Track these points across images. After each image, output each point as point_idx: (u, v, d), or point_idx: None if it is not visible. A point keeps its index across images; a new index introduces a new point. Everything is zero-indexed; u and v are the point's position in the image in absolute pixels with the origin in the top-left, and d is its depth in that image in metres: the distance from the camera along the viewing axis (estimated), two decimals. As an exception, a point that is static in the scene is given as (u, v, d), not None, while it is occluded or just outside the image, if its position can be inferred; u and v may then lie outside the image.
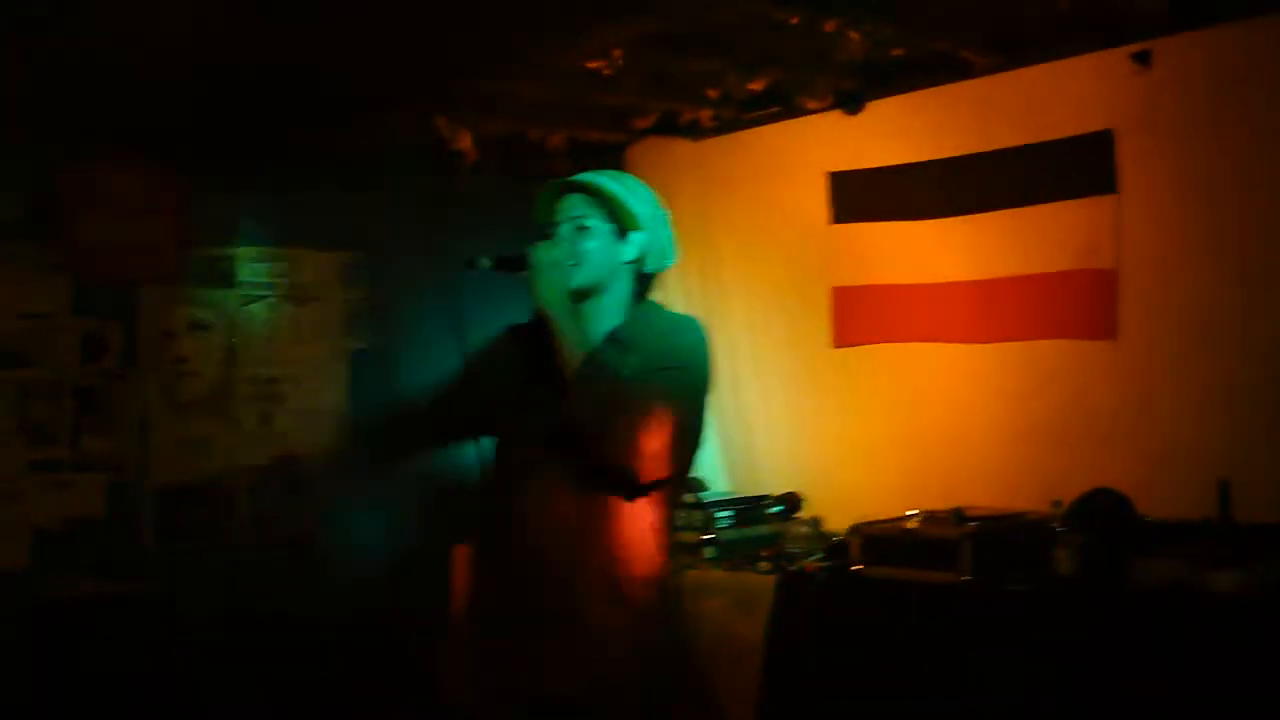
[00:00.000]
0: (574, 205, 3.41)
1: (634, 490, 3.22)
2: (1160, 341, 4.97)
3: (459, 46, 5.24)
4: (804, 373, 6.17)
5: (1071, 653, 4.15)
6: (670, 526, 3.35)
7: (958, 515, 4.79)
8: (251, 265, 6.67)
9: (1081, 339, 5.18)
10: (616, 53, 5.24)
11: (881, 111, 5.79)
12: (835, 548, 5.13)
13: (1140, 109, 4.98)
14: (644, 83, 5.80)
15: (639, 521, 3.26)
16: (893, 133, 5.75)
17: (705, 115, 6.26)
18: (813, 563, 5.15)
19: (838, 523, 5.34)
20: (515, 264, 3.32)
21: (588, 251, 3.35)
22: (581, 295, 3.35)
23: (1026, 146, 5.30)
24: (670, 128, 6.46)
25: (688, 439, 3.30)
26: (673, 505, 3.36)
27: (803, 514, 5.70)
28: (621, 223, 3.38)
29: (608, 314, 3.40)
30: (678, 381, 3.26)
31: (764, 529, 5.68)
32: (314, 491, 6.64)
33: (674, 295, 6.70)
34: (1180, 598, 4.11)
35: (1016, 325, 5.40)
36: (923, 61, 5.45)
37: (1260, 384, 4.67)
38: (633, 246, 3.40)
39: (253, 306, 6.67)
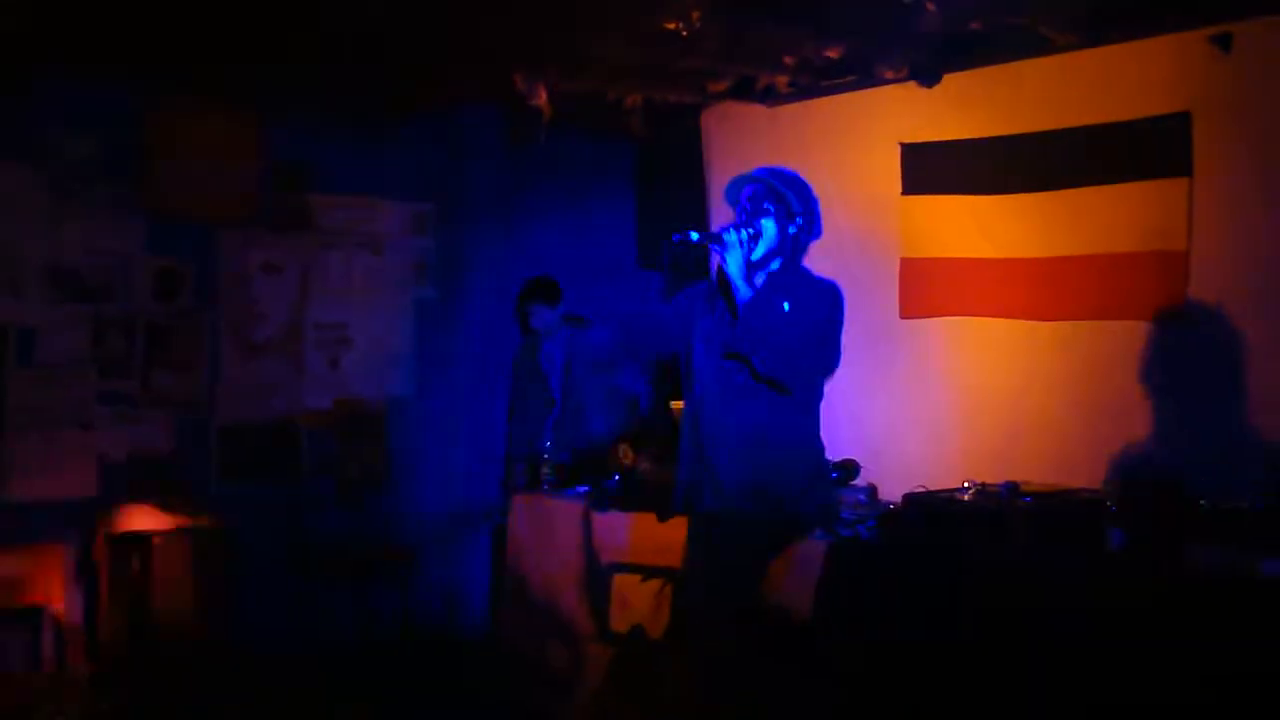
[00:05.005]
0: (756, 194, 4.54)
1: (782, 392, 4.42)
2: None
3: (538, 2, 5.28)
4: (869, 342, 6.15)
5: (1117, 631, 4.15)
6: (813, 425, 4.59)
7: (1011, 489, 4.79)
8: (327, 211, 6.75)
9: (1148, 321, 5.15)
10: (695, 14, 5.25)
11: (957, 85, 5.77)
12: (888, 516, 5.14)
13: (1219, 92, 4.94)
14: (721, 46, 5.79)
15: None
16: (968, 106, 5.73)
17: (781, 81, 6.24)
18: (865, 530, 5.17)
19: (893, 492, 5.34)
20: (714, 238, 4.45)
21: (765, 229, 4.52)
22: (758, 263, 4.52)
23: (1101, 125, 5.27)
24: (746, 93, 6.44)
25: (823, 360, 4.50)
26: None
27: (858, 481, 5.71)
28: (788, 209, 4.52)
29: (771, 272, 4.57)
30: (813, 320, 4.43)
31: (819, 495, 5.67)
32: (378, 435, 6.75)
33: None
34: (1231, 582, 4.09)
35: (1083, 304, 5.38)
36: (1001, 36, 5.41)
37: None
38: (793, 227, 4.53)
39: (326, 252, 6.76)
